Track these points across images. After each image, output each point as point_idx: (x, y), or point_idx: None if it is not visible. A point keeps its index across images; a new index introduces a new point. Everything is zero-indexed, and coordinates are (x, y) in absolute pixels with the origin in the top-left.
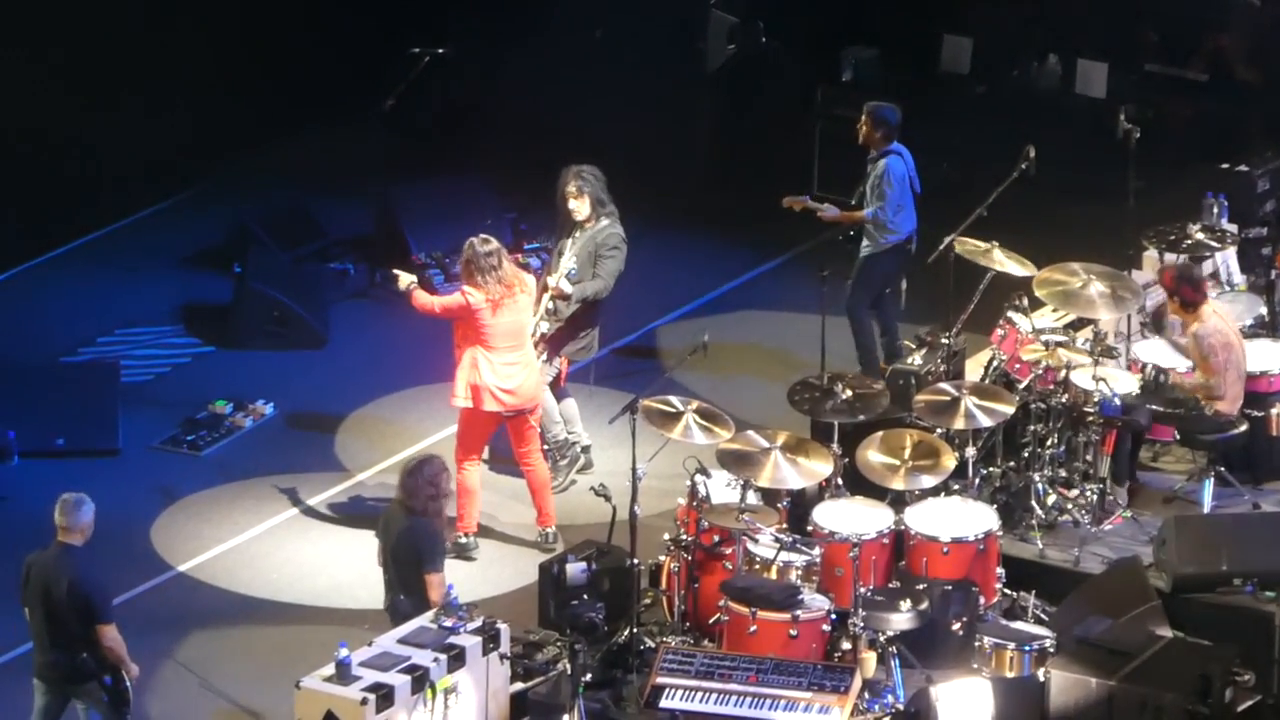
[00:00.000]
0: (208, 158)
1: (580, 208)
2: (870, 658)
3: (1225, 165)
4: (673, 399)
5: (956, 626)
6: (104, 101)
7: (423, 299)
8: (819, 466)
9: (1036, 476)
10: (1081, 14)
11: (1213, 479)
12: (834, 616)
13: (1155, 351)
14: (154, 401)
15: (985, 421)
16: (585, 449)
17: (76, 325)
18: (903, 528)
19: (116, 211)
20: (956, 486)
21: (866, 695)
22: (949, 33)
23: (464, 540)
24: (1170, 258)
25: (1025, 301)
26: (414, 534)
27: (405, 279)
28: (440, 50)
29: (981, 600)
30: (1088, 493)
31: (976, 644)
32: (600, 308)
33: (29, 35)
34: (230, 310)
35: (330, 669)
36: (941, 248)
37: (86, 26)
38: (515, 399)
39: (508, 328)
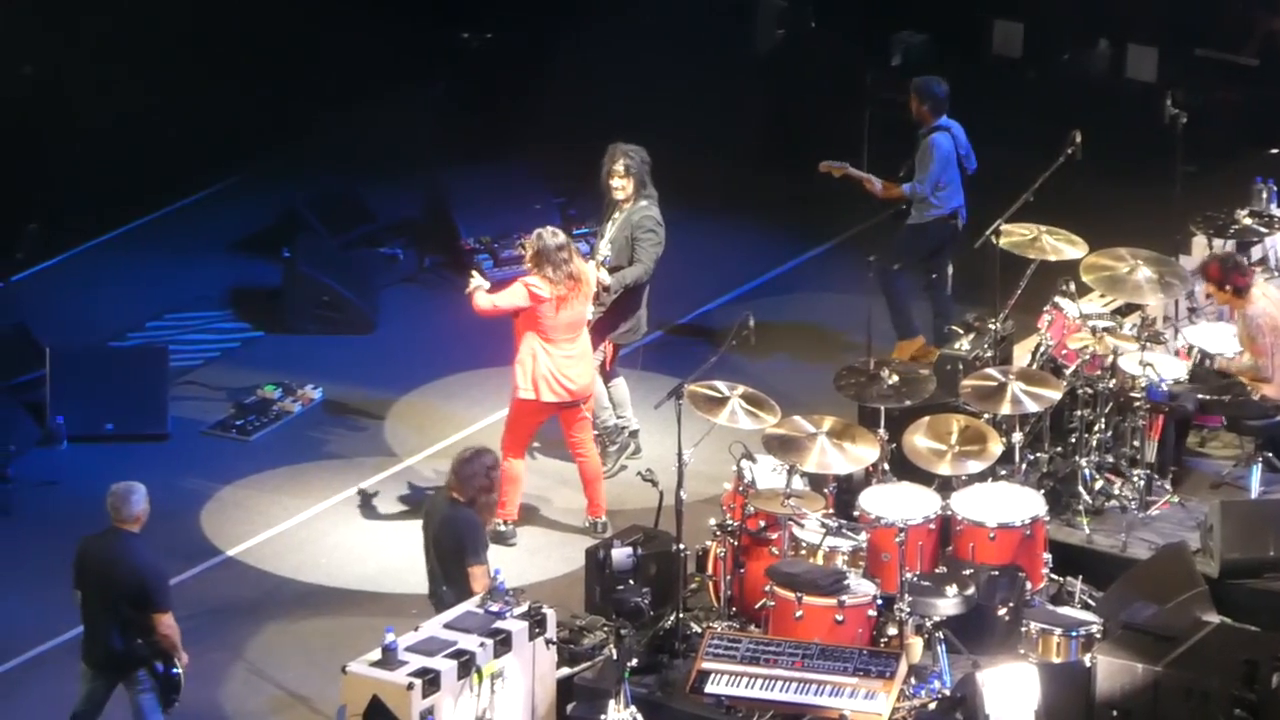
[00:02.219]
0: (258, 142)
1: (624, 187)
2: (916, 643)
3: (1275, 150)
4: (719, 384)
5: (1003, 612)
6: (154, 85)
7: (483, 302)
8: (865, 452)
9: (1083, 462)
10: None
11: (1260, 464)
12: (880, 602)
13: (1203, 336)
14: (203, 386)
15: (1032, 407)
16: (634, 434)
17: (126, 310)
18: (949, 513)
19: (166, 196)
20: (1003, 472)
21: (912, 681)
22: (1000, 18)
23: (504, 528)
24: (1218, 244)
25: (1072, 287)
26: (456, 524)
27: (475, 282)
28: (488, 35)
29: (1028, 585)
30: (1134, 478)
31: (1023, 629)
32: (645, 291)
33: (76, 17)
34: (279, 295)
35: (377, 654)
36: (988, 233)
37: (135, 9)
38: (574, 388)
39: (569, 319)
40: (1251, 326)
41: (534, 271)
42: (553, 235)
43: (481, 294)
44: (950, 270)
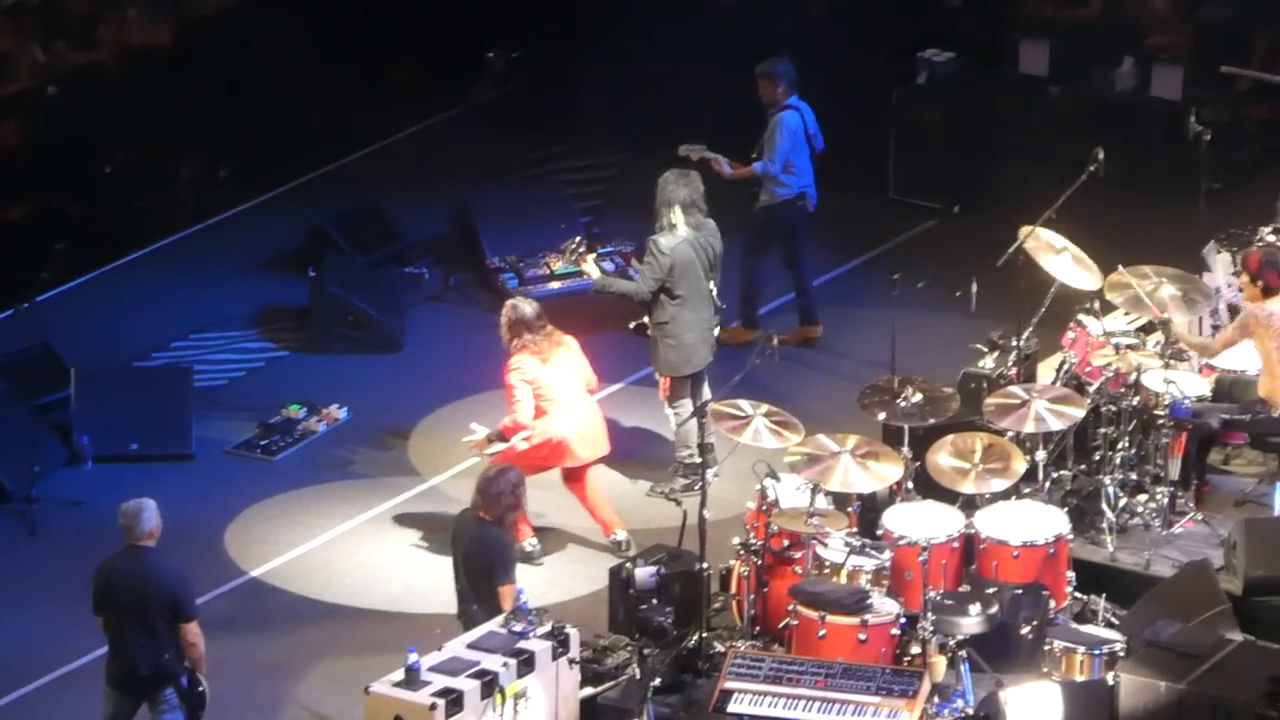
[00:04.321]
0: (286, 161)
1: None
2: (940, 662)
3: None
4: (742, 403)
5: (1026, 630)
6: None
7: (520, 425)
8: (889, 470)
9: (1107, 480)
10: (1157, 17)
11: None
12: (903, 621)
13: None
14: (228, 406)
15: (1056, 425)
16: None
17: (152, 330)
18: (973, 531)
19: (194, 215)
20: (1027, 490)
21: (936, 700)
22: (1026, 36)
23: (530, 547)
24: (1239, 259)
25: (1096, 304)
26: (486, 543)
27: (495, 448)
28: (515, 54)
29: (1052, 604)
30: (1158, 496)
31: (1046, 648)
32: (687, 321)
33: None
34: (305, 314)
35: (400, 674)
36: (1013, 249)
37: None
38: (590, 446)
39: (562, 377)
40: (1251, 320)
41: (515, 347)
42: (526, 304)
43: (518, 440)
44: (975, 288)
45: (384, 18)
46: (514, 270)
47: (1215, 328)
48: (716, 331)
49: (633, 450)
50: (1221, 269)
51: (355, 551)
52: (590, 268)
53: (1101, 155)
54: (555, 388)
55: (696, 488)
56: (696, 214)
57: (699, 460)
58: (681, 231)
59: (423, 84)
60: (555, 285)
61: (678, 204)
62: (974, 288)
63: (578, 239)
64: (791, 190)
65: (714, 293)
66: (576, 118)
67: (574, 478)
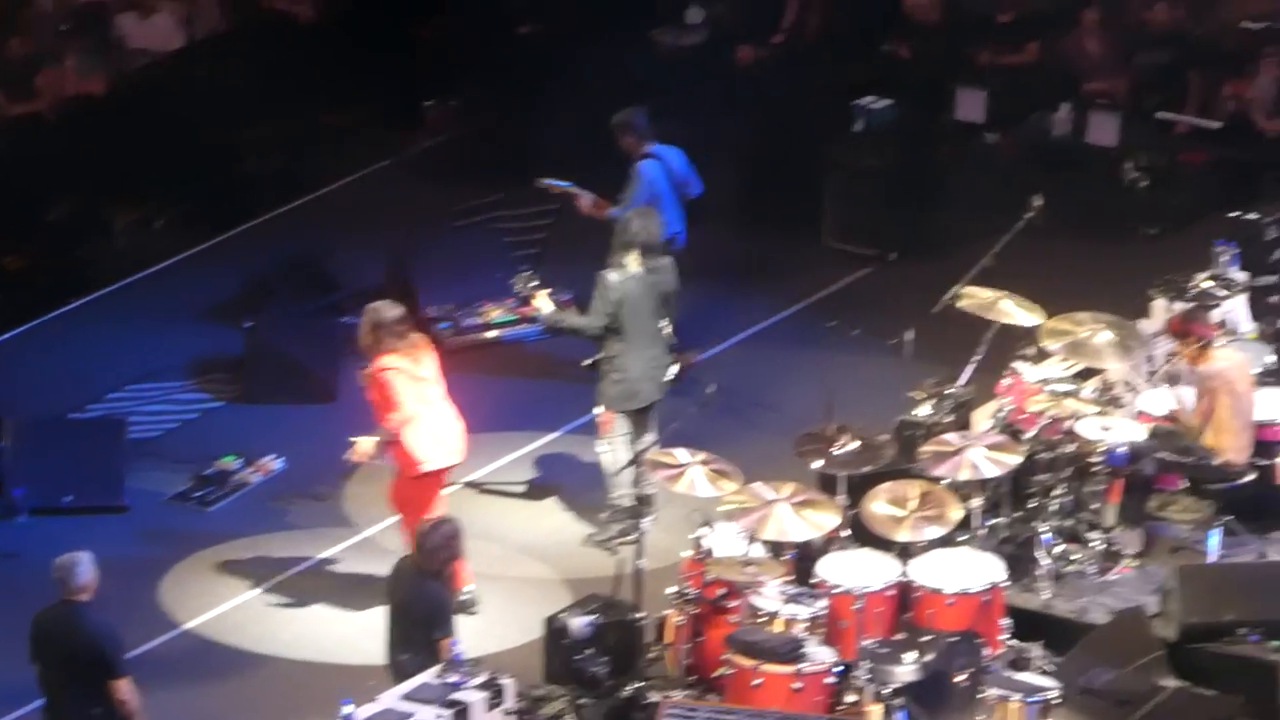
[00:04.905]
0: (224, 210)
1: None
2: (875, 710)
3: (1235, 213)
4: (679, 451)
5: (961, 678)
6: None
7: (394, 425)
8: (825, 518)
9: (1043, 526)
10: (1094, 64)
11: (1220, 528)
12: (839, 669)
13: (1161, 402)
14: (163, 457)
15: (992, 472)
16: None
17: (87, 381)
18: (908, 579)
19: (132, 265)
20: (963, 537)
21: None
22: (963, 83)
23: (467, 595)
24: (1178, 306)
25: (1032, 351)
26: (426, 597)
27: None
28: (453, 103)
29: (987, 652)
30: (1094, 543)
31: (981, 696)
32: (631, 356)
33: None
34: (241, 365)
35: None
36: (947, 298)
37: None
38: (451, 452)
39: (426, 384)
40: (1215, 383)
41: (383, 349)
42: (389, 307)
43: (383, 431)
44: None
45: (322, 66)
46: (450, 319)
47: (1151, 373)
48: (672, 372)
49: (570, 497)
50: (1159, 315)
51: (291, 602)
52: (543, 302)
53: (1039, 202)
54: (423, 392)
55: (632, 535)
56: (653, 253)
57: (633, 504)
58: (632, 269)
59: (361, 133)
60: (493, 334)
61: (636, 245)
62: (909, 335)
63: (530, 273)
64: None
65: (666, 331)
66: (515, 166)
67: (431, 493)
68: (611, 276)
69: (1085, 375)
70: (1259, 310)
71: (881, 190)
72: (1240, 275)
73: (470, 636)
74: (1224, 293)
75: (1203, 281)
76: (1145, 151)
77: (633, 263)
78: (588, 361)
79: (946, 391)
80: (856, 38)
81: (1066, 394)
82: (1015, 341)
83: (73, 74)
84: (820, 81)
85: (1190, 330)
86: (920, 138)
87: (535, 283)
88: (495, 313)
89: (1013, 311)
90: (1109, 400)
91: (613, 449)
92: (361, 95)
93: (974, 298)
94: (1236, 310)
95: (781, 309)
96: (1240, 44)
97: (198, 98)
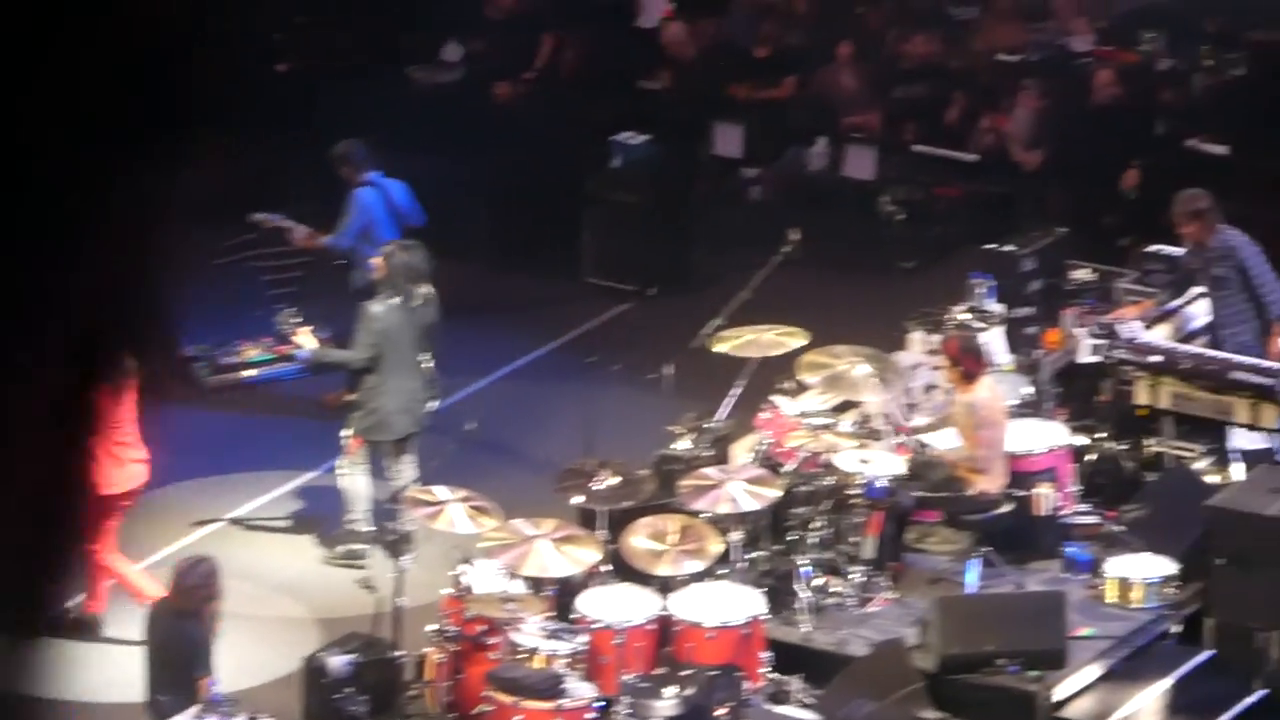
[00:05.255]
0: None
1: (379, 268)
2: None
3: (991, 246)
4: (438, 488)
5: (721, 713)
6: None
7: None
8: (585, 554)
9: (802, 559)
10: (850, 98)
11: (978, 560)
12: (599, 704)
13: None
14: None
15: (751, 505)
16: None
17: None
18: (668, 613)
19: None
20: (723, 571)
21: None
22: (720, 118)
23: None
24: (935, 338)
25: (790, 384)
26: (185, 637)
27: None
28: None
29: (747, 685)
30: (853, 575)
31: None
32: (389, 387)
33: None
34: None
35: None
36: (705, 332)
37: None
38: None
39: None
40: (976, 415)
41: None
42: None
43: None
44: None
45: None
46: (207, 359)
47: (910, 405)
48: (433, 405)
49: (328, 535)
50: (916, 347)
51: (52, 642)
52: (305, 339)
53: (796, 237)
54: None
55: (364, 559)
56: (415, 284)
57: (369, 528)
58: (394, 301)
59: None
60: (251, 373)
61: (399, 275)
62: (669, 370)
63: (292, 310)
64: (356, 267)
65: (426, 365)
66: (273, 203)
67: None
68: (374, 308)
69: (844, 408)
70: (1015, 342)
71: (640, 225)
72: (997, 307)
73: (228, 675)
74: (981, 325)
75: (959, 314)
76: (901, 185)
77: (394, 293)
78: (329, 397)
79: (705, 426)
80: (613, 73)
81: (825, 427)
82: (774, 375)
83: None
84: (578, 117)
85: (963, 360)
86: (678, 173)
87: (298, 319)
88: (253, 351)
89: (771, 345)
90: (867, 433)
91: (350, 473)
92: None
93: (732, 332)
94: (993, 342)
95: (541, 345)
96: (996, 76)
97: None
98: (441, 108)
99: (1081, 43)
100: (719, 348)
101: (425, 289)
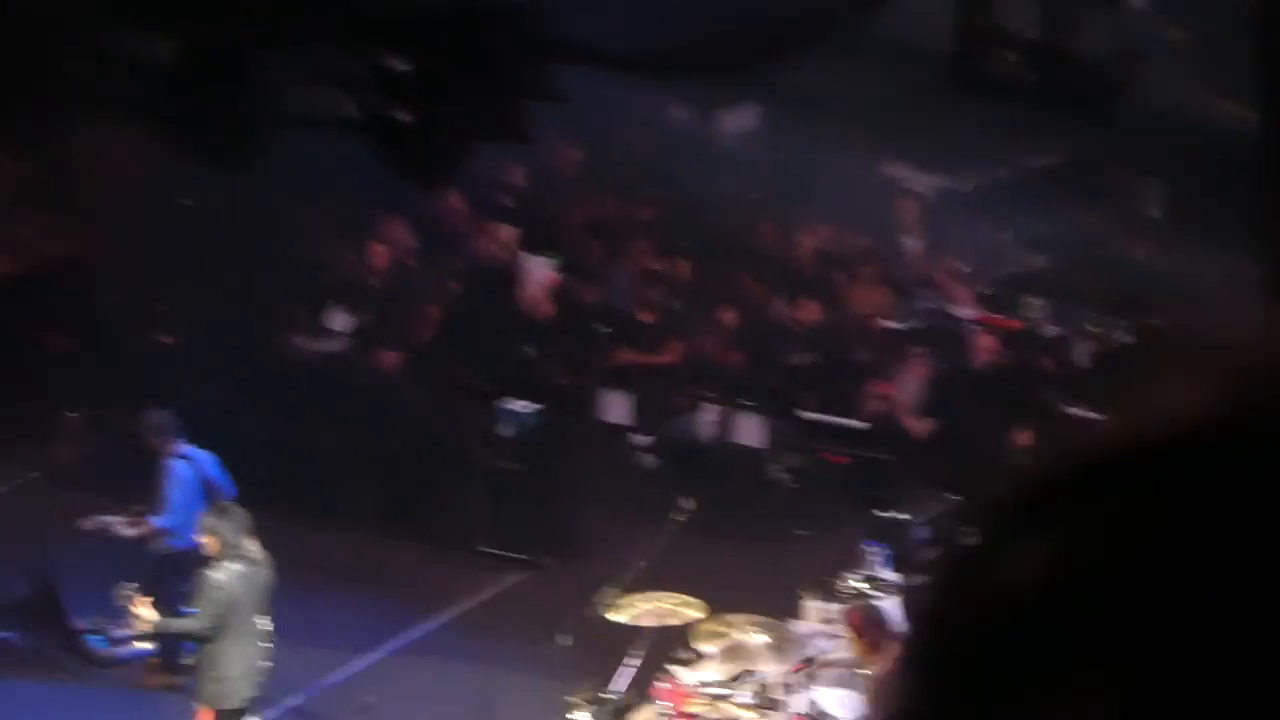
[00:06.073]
0: None
1: (208, 545)
2: None
3: (883, 513)
4: None
5: None
6: None
7: None
8: None
9: None
10: (737, 368)
11: None
12: None
13: (826, 698)
14: None
15: None
16: None
17: None
18: None
19: None
20: None
21: None
22: (606, 384)
23: None
24: (835, 607)
25: (687, 653)
26: None
27: None
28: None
29: None
30: None
31: None
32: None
33: None
34: None
35: None
36: (601, 601)
37: None
38: None
39: None
40: (868, 684)
41: None
42: None
43: None
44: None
45: None
46: (102, 631)
47: (809, 675)
48: (267, 665)
49: None
50: (812, 615)
51: None
52: (146, 611)
53: (689, 505)
54: None
55: None
56: (246, 543)
57: None
58: (234, 566)
59: None
60: (150, 645)
61: (229, 539)
62: (565, 640)
63: (133, 584)
64: (185, 540)
65: (264, 626)
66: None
67: None
68: (217, 576)
69: (741, 677)
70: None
71: (531, 494)
72: (891, 575)
73: None
74: (877, 593)
75: (854, 581)
76: (791, 452)
77: (232, 558)
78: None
79: (603, 696)
80: (497, 340)
81: (723, 697)
82: (671, 644)
83: None
84: (463, 385)
85: (865, 629)
86: (566, 440)
87: (136, 591)
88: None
89: (667, 614)
90: (766, 702)
91: None
92: None
93: (627, 601)
94: (892, 610)
95: (433, 616)
96: (884, 344)
97: None
98: (324, 376)
99: (966, 310)
100: (615, 616)
101: (255, 546)
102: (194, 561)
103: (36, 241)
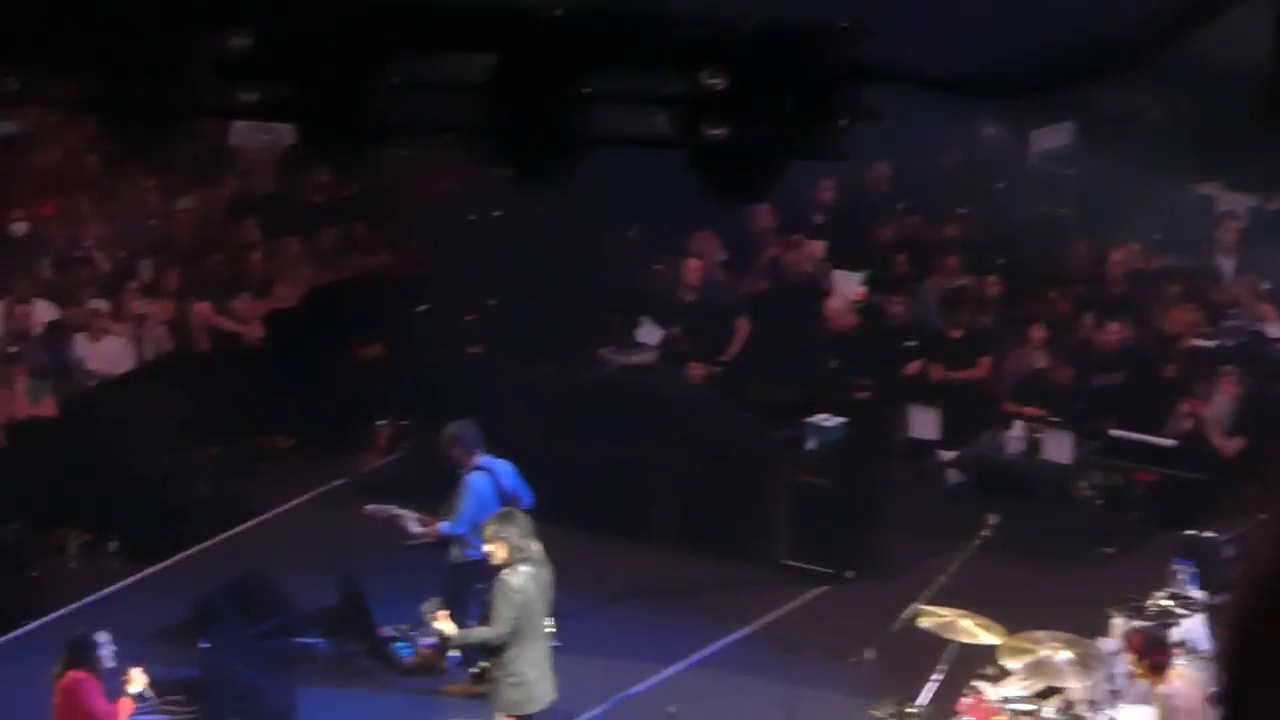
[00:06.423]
0: (172, 534)
1: (495, 552)
2: None
3: (1191, 532)
4: None
5: None
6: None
7: None
8: None
9: None
10: (1045, 385)
11: None
12: None
13: (1128, 717)
14: None
15: None
16: None
17: (42, 708)
18: None
19: (82, 589)
20: None
21: None
22: (915, 400)
23: None
24: (1136, 624)
25: (992, 670)
26: None
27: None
28: (403, 422)
29: None
30: None
31: None
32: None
33: None
34: (196, 686)
35: None
36: (906, 616)
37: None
38: None
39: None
40: (1170, 706)
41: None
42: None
43: None
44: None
45: (264, 390)
46: (407, 639)
47: (1114, 692)
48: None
49: None
50: (1119, 634)
51: None
52: (445, 625)
53: (993, 521)
54: None
55: None
56: (532, 550)
57: None
58: (524, 568)
59: (308, 455)
60: (456, 653)
61: (518, 543)
62: (870, 654)
63: (437, 599)
64: (479, 552)
65: (550, 629)
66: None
67: None
68: (514, 581)
69: (1046, 694)
70: (1219, 629)
71: (836, 508)
72: (1199, 594)
73: None
74: (1183, 612)
75: (1161, 600)
76: (1099, 470)
77: (525, 562)
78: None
79: (907, 710)
80: (796, 354)
81: (1028, 713)
82: (975, 660)
83: (23, 397)
84: (770, 400)
85: (1146, 651)
86: (871, 456)
87: (437, 607)
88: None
89: (971, 630)
90: (1070, 718)
91: None
92: (306, 416)
93: (932, 616)
94: (1196, 629)
95: (737, 629)
96: (1194, 362)
97: (141, 421)
98: (633, 389)
99: (1276, 329)
100: (923, 623)
101: (538, 546)
102: (487, 572)
103: (348, 254)
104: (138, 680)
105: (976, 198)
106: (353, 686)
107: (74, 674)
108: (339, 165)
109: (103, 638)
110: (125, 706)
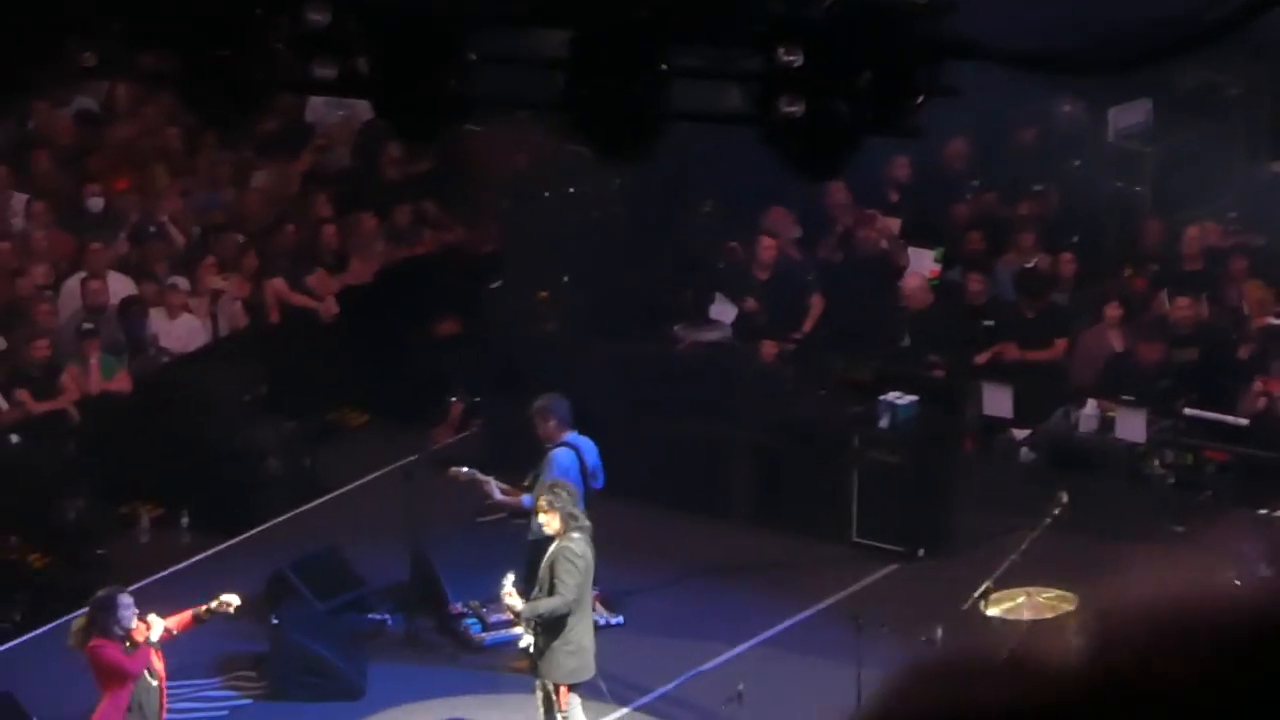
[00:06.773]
0: (244, 508)
1: (550, 522)
2: None
3: (1264, 511)
4: None
5: None
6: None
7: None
8: None
9: None
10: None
11: None
12: None
13: None
14: None
15: None
16: None
17: None
18: None
19: (155, 563)
20: None
21: None
22: (989, 378)
23: None
24: None
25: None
26: None
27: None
28: (476, 399)
29: None
30: None
31: None
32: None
33: None
34: (266, 661)
35: None
36: (977, 595)
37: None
38: None
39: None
40: None
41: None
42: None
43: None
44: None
45: (338, 366)
46: (477, 615)
47: None
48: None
49: None
50: None
51: None
52: (514, 601)
53: (1066, 499)
54: None
55: None
56: (583, 519)
57: None
58: (577, 535)
59: (381, 431)
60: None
61: (570, 510)
62: (939, 633)
63: (509, 578)
64: None
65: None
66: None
67: None
68: (577, 548)
69: None
70: None
71: (908, 486)
72: (1269, 572)
73: None
74: None
75: (1234, 580)
76: (1171, 448)
77: (579, 530)
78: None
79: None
80: (870, 331)
81: None
82: (1043, 638)
83: (96, 373)
84: (844, 377)
85: None
86: (944, 434)
87: (507, 586)
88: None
89: (1041, 608)
90: None
91: None
92: (380, 392)
93: (1004, 594)
94: None
95: (807, 606)
96: (1268, 341)
97: (215, 396)
98: (705, 366)
99: None
100: (991, 611)
101: (584, 515)
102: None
103: (422, 230)
104: (156, 627)
105: (1052, 175)
106: (423, 663)
107: (93, 643)
108: (415, 140)
109: (125, 599)
110: (145, 653)
